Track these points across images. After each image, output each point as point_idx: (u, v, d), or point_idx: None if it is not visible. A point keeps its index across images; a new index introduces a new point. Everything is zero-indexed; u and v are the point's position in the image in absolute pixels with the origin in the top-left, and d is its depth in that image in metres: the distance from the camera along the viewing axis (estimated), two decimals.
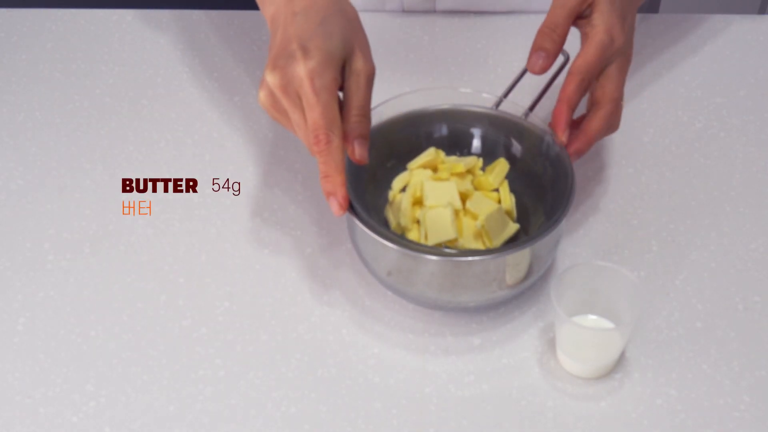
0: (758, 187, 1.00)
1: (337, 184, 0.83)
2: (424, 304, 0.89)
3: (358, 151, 0.84)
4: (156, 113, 1.08)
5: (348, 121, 0.84)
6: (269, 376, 0.86)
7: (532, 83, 0.96)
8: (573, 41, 0.92)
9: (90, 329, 0.89)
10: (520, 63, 0.97)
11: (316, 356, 0.87)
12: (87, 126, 1.07)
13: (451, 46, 1.13)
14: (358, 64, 0.85)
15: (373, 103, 0.88)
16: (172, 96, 1.09)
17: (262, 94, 0.84)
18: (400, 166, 0.94)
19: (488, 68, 1.11)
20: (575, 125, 0.91)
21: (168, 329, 0.89)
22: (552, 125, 0.90)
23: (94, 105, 1.09)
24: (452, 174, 0.92)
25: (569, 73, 0.89)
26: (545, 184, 0.92)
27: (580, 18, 0.91)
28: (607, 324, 0.86)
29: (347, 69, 0.85)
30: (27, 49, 1.15)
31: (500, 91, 0.96)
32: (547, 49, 0.89)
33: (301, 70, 0.82)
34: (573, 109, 0.89)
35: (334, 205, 0.83)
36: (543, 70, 0.90)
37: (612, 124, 0.92)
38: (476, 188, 0.92)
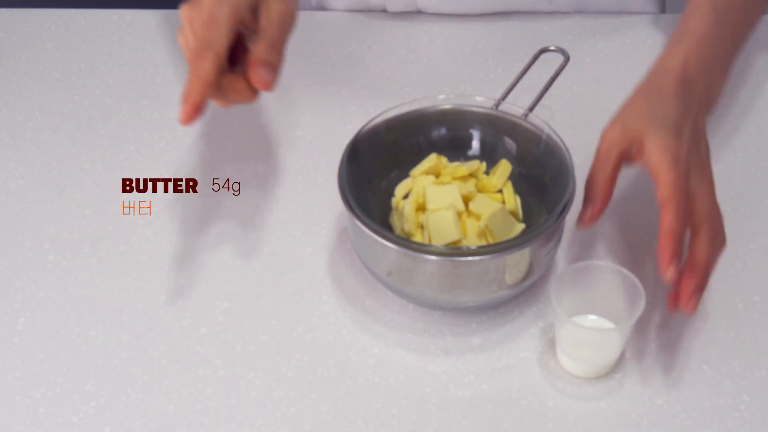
0: (758, 187, 1.00)
1: (196, 89, 0.83)
2: (424, 304, 0.89)
3: (263, 75, 0.84)
4: (156, 113, 1.08)
5: (256, 49, 0.85)
6: (269, 376, 0.86)
7: (532, 83, 0.95)
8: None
9: (90, 329, 0.89)
10: (520, 63, 0.97)
11: (316, 356, 0.87)
12: (87, 126, 1.07)
13: (451, 46, 1.13)
14: (272, 3, 0.86)
15: (375, 109, 0.87)
16: (172, 96, 1.09)
17: (179, 35, 0.86)
18: (404, 174, 0.94)
19: (488, 68, 1.11)
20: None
21: (168, 329, 0.89)
22: (658, 261, 0.82)
23: (94, 105, 1.09)
24: (455, 178, 0.92)
25: (661, 207, 0.82)
26: (547, 184, 0.92)
27: (631, 158, 0.85)
28: (607, 324, 0.86)
29: (262, 10, 0.86)
30: (27, 49, 1.15)
31: (500, 92, 0.96)
32: (595, 201, 0.85)
33: (207, 1, 0.84)
34: (679, 241, 0.81)
35: (183, 111, 0.83)
36: (592, 222, 0.86)
37: (718, 240, 0.84)
38: (480, 191, 0.92)
